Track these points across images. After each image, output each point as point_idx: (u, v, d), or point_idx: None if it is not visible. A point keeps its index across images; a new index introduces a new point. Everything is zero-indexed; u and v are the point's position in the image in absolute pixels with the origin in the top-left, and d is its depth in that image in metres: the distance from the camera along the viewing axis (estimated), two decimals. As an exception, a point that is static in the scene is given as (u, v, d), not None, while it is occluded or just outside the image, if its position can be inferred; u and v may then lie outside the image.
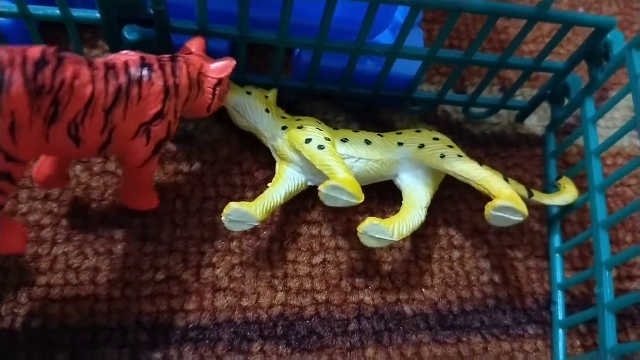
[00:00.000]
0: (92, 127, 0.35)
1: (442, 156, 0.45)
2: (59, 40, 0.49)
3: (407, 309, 0.45)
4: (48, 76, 0.31)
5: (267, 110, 0.46)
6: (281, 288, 0.44)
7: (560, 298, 0.47)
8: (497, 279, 0.48)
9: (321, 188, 0.40)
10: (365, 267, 0.46)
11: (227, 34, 0.43)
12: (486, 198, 0.45)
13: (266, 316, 0.43)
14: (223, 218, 0.41)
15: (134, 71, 0.36)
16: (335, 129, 0.47)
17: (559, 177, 0.50)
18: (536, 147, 0.54)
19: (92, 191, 0.45)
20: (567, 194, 0.48)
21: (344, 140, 0.45)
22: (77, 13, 0.42)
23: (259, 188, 0.48)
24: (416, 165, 0.46)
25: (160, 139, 0.39)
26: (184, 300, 0.42)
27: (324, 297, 0.44)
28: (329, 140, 0.44)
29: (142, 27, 0.43)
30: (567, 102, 0.51)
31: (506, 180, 0.46)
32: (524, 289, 0.48)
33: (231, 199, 0.46)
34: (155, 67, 0.37)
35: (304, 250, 0.46)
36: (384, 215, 0.49)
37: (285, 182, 0.45)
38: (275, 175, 0.46)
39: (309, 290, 0.44)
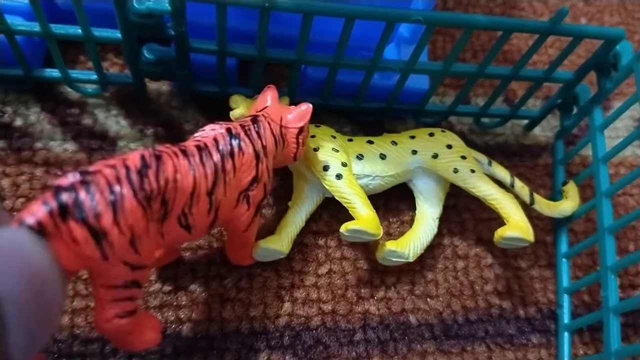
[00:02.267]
0: (199, 212, 0.35)
1: (455, 171, 0.46)
2: (67, 52, 0.50)
3: (412, 319, 0.46)
4: (152, 180, 0.31)
5: None
6: (287, 298, 0.45)
7: (566, 301, 0.48)
8: (500, 288, 0.48)
9: (343, 230, 0.41)
10: (371, 277, 0.47)
11: (245, 54, 0.44)
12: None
13: (273, 326, 0.43)
14: (253, 254, 0.43)
15: (224, 146, 0.36)
16: (349, 139, 0.47)
17: (566, 183, 0.51)
18: (539, 157, 0.55)
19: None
20: (566, 204, 0.48)
21: (360, 157, 0.46)
22: (99, 32, 0.43)
23: (271, 200, 0.48)
24: (429, 173, 0.47)
25: (259, 200, 0.39)
26: (191, 311, 0.43)
27: (329, 307, 0.45)
28: (346, 165, 0.44)
29: (161, 46, 0.43)
30: (575, 110, 0.52)
31: (512, 179, 0.48)
32: (528, 298, 0.48)
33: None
34: (242, 135, 0.37)
35: (310, 260, 0.46)
36: (388, 225, 0.49)
37: (305, 202, 0.46)
38: (294, 194, 0.47)
39: (315, 300, 0.45)
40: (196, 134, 0.37)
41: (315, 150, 0.44)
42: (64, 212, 0.27)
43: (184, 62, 0.45)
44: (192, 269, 0.44)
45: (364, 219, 0.42)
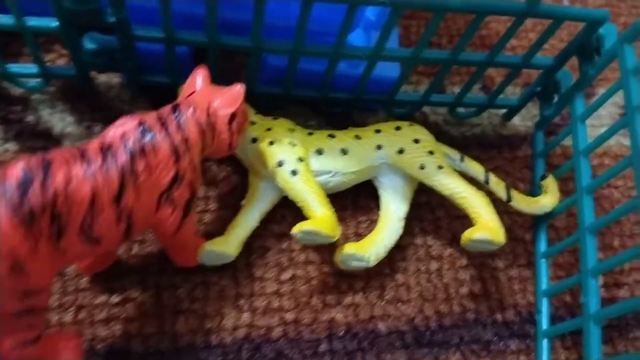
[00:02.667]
0: (105, 222, 0.31)
1: (422, 167, 0.42)
2: (10, 45, 0.47)
3: (382, 326, 0.43)
4: (37, 194, 0.27)
5: None
6: (246, 308, 0.41)
7: (544, 306, 0.45)
8: (477, 290, 0.45)
9: (295, 231, 0.38)
10: (337, 282, 0.43)
11: (196, 41, 0.40)
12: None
13: (230, 339, 0.40)
14: (198, 258, 0.40)
15: (133, 143, 0.32)
16: (310, 133, 0.44)
17: (544, 177, 0.47)
18: (518, 149, 0.52)
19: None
20: (546, 200, 0.45)
21: (319, 152, 0.42)
22: (34, 22, 0.39)
23: (223, 199, 0.45)
24: (395, 170, 0.44)
25: (186, 200, 0.35)
26: (141, 324, 0.40)
27: (292, 316, 0.42)
28: (302, 160, 0.41)
29: (103, 35, 0.40)
30: (556, 98, 0.48)
31: (487, 175, 0.44)
32: (506, 301, 0.45)
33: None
34: (157, 129, 0.33)
35: (272, 265, 0.43)
36: (357, 225, 0.46)
37: (259, 201, 0.43)
38: (248, 192, 0.43)
39: (277, 309, 0.42)
40: (105, 131, 0.33)
41: (271, 144, 0.41)
42: None
43: (129, 52, 0.41)
44: (142, 279, 0.41)
45: (319, 218, 0.38)
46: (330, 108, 0.49)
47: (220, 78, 0.44)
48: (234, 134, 0.37)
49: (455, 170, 0.44)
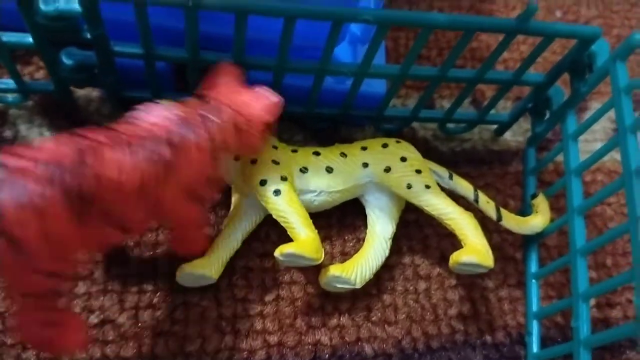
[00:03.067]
0: (140, 211, 0.31)
1: (409, 186, 0.41)
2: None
3: (368, 349, 0.41)
4: (88, 176, 0.27)
5: None
6: (229, 330, 0.40)
7: (535, 328, 0.44)
8: (466, 311, 0.44)
9: (277, 254, 0.37)
10: (322, 303, 0.42)
11: (176, 57, 0.39)
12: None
13: (211, 363, 0.39)
14: (177, 278, 0.39)
15: (174, 135, 0.31)
16: (294, 150, 0.43)
17: (535, 196, 0.46)
18: (509, 165, 0.51)
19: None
20: (536, 220, 0.44)
21: (303, 171, 0.41)
22: (8, 37, 0.38)
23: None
24: (381, 188, 0.43)
25: (207, 199, 0.35)
26: (119, 347, 0.38)
27: (276, 339, 0.40)
28: (286, 179, 0.39)
29: (82, 50, 0.39)
30: (548, 115, 0.48)
31: (476, 194, 0.43)
32: (495, 322, 0.44)
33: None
34: (197, 122, 0.32)
35: (255, 285, 0.42)
36: (344, 244, 0.45)
37: (242, 221, 0.42)
38: (231, 211, 0.42)
39: (260, 331, 0.41)
40: (139, 115, 0.32)
41: (253, 162, 0.40)
42: None
43: (108, 67, 0.40)
44: (120, 299, 0.40)
45: (302, 241, 0.37)
46: (316, 123, 0.48)
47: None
48: (262, 140, 0.36)
49: (444, 189, 0.43)
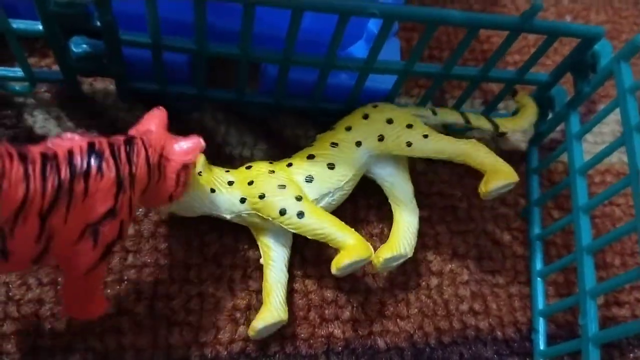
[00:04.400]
0: (24, 236, 0.28)
1: (409, 144, 0.42)
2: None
3: (381, 342, 0.42)
4: None
5: (213, 190, 0.39)
6: (243, 321, 0.40)
7: (541, 326, 0.44)
8: (477, 307, 0.44)
9: (334, 271, 0.37)
10: (336, 296, 0.43)
11: (183, 48, 0.40)
12: (467, 216, 0.43)
13: (226, 353, 0.39)
14: (252, 336, 0.39)
15: (79, 162, 0.29)
16: (289, 164, 0.42)
17: (515, 93, 0.48)
18: (519, 164, 0.51)
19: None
20: (527, 112, 0.46)
21: (309, 180, 0.41)
22: (18, 24, 0.39)
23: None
24: (382, 157, 0.43)
25: (110, 240, 0.31)
26: (135, 336, 0.39)
27: (289, 331, 0.41)
28: (301, 199, 0.39)
29: (91, 39, 0.39)
30: (551, 115, 0.48)
31: (465, 116, 0.45)
32: (506, 318, 0.44)
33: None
34: (106, 154, 0.30)
35: (269, 278, 0.42)
36: (368, 225, 0.45)
37: (278, 254, 0.41)
38: (262, 252, 0.41)
39: (274, 322, 0.41)
40: (50, 139, 0.30)
41: (262, 197, 0.39)
42: None
43: (116, 56, 0.40)
44: (137, 290, 0.40)
45: (351, 247, 0.37)
46: (326, 118, 0.48)
47: (214, 86, 0.44)
48: (179, 185, 0.35)
49: (436, 128, 0.44)
